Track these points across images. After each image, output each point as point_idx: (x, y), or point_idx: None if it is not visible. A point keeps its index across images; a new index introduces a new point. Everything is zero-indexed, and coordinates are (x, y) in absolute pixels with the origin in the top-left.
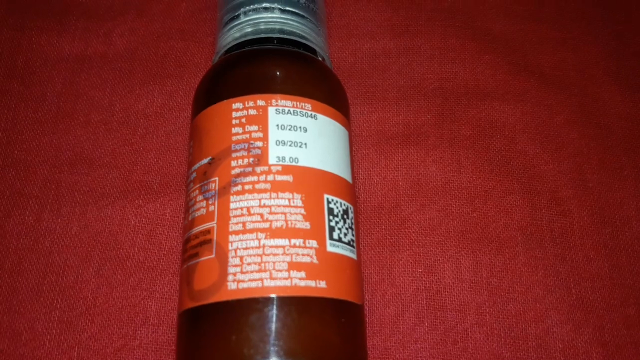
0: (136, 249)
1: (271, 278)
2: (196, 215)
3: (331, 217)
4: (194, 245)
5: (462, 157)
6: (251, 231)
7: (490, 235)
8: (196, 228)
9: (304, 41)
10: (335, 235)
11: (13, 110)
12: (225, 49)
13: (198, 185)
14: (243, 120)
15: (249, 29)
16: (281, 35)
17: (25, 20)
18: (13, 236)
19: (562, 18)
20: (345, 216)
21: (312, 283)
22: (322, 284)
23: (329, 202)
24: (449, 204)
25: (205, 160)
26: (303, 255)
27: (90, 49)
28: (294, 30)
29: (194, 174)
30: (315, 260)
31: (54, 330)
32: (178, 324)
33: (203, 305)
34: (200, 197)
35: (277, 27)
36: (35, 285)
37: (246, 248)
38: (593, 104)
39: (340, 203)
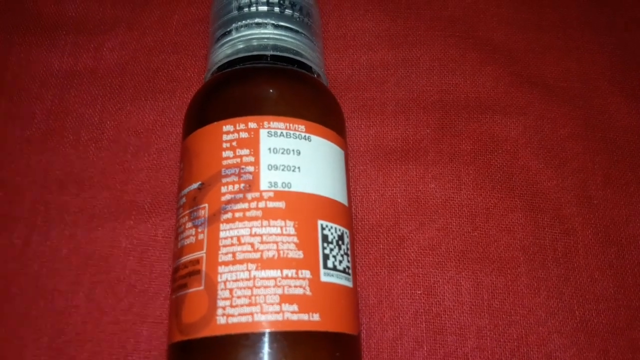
0: (127, 271)
1: (262, 312)
2: (185, 243)
3: (325, 245)
4: (183, 276)
5: (463, 173)
6: (241, 262)
7: (491, 255)
8: (185, 257)
9: (298, 58)
10: (329, 264)
11: (1, 129)
12: (217, 66)
13: (187, 212)
14: (234, 143)
15: (241, 46)
16: (274, 52)
17: (14, 36)
18: (0, 260)
19: (565, 27)
20: (340, 242)
21: (305, 316)
22: (316, 317)
23: (323, 229)
24: (449, 223)
25: (195, 185)
26: (295, 287)
27: (80, 64)
28: (288, 46)
29: (184, 199)
30: (308, 292)
31: (43, 357)
32: (167, 355)
33: (192, 339)
34: (189, 224)
35: (271, 43)
36: (23, 311)
37: (236, 280)
38: (598, 116)
39: (335, 229)
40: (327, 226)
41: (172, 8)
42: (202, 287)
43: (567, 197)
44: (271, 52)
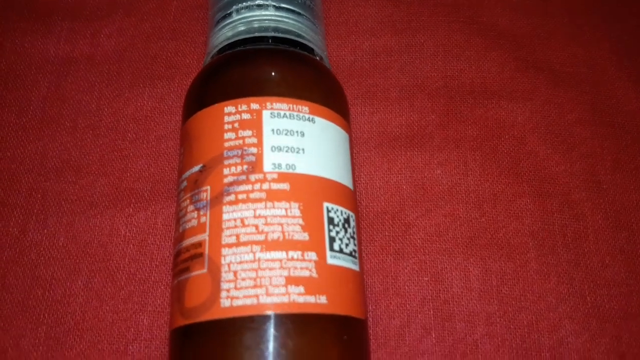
0: (127, 260)
1: (267, 294)
2: (187, 226)
3: (331, 227)
4: (185, 259)
5: (469, 159)
6: (245, 244)
7: (499, 241)
8: (187, 240)
9: (300, 40)
10: (336, 247)
11: None
12: (217, 49)
13: (189, 195)
14: (236, 125)
15: (242, 28)
16: (276, 34)
17: (8, 22)
18: None
19: (571, 12)
20: (346, 225)
21: (311, 299)
22: (323, 299)
23: (328, 211)
24: (455, 209)
25: (196, 168)
26: (301, 268)
27: (76, 51)
28: (290, 28)
29: (185, 183)
30: (314, 274)
31: (41, 347)
32: (170, 342)
33: (195, 323)
34: (191, 208)
35: (272, 25)
36: (21, 300)
37: (240, 262)
38: (606, 101)
39: (341, 211)
40: (332, 208)
41: None
42: (205, 270)
43: (575, 182)
44: (273, 34)
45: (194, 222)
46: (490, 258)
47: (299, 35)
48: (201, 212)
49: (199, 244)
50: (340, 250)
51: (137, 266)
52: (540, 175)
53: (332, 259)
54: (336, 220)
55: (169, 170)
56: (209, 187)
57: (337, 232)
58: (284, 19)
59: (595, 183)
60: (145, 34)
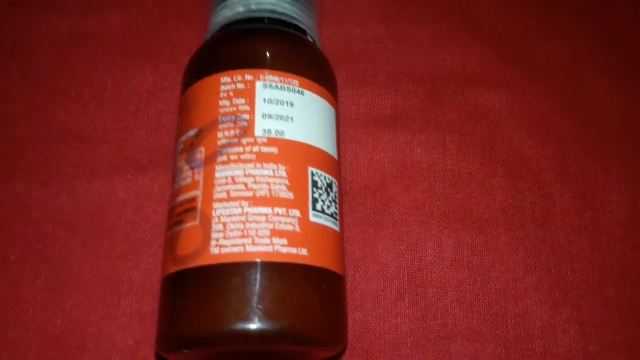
0: (123, 221)
1: (253, 244)
2: (182, 184)
3: (315, 189)
4: (179, 213)
5: (448, 140)
6: (235, 199)
7: (472, 216)
8: (181, 196)
9: (294, 22)
10: (318, 207)
11: (3, 85)
12: (217, 27)
13: (185, 156)
14: (231, 93)
15: (241, 9)
16: (272, 15)
17: None
18: (2, 206)
19: (552, 10)
20: (329, 189)
21: (293, 250)
22: (304, 252)
23: (313, 175)
24: (433, 185)
25: (192, 132)
26: (285, 223)
27: (83, 26)
28: (285, 11)
29: (181, 146)
30: (297, 229)
31: (38, 297)
32: (161, 289)
33: (186, 269)
34: (186, 167)
35: (269, 7)
36: (22, 254)
37: (230, 215)
38: (579, 93)
39: (325, 177)
40: (316, 173)
41: None
42: (197, 222)
43: (546, 164)
44: (269, 15)
45: (188, 180)
46: (462, 230)
47: (293, 18)
48: (196, 171)
49: (193, 199)
50: (322, 211)
51: (133, 227)
52: (513, 157)
53: (314, 217)
54: (319, 184)
55: (167, 141)
56: (203, 149)
57: (320, 195)
58: (281, 3)
59: (564, 166)
60: (148, 12)
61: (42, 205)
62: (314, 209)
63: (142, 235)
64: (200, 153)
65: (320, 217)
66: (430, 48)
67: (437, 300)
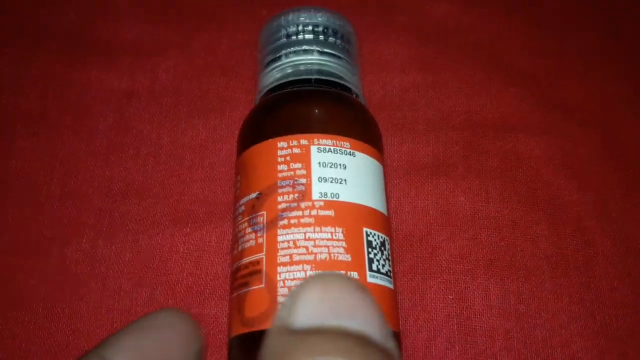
0: (185, 274)
1: None
2: (245, 246)
3: (370, 250)
4: (244, 275)
5: (490, 187)
6: (297, 263)
7: (517, 263)
8: (246, 259)
9: (340, 81)
10: (374, 267)
11: (68, 143)
12: (267, 88)
13: (247, 218)
14: (288, 158)
15: (290, 70)
16: (319, 77)
17: (76, 57)
18: (72, 262)
19: (585, 53)
20: (382, 248)
21: None
22: None
23: (367, 235)
24: (478, 234)
25: (253, 195)
26: None
27: (137, 84)
28: (332, 70)
29: (242, 207)
30: None
31: None
32: (229, 347)
33: (255, 331)
34: (249, 230)
35: (316, 67)
36: (94, 309)
37: (293, 279)
38: (615, 137)
39: (378, 235)
40: (371, 233)
41: (220, 34)
42: (262, 285)
43: (587, 210)
44: (317, 76)
45: (252, 243)
46: (508, 279)
47: (339, 77)
48: (258, 234)
49: (257, 262)
50: (378, 271)
51: (194, 280)
52: (555, 204)
53: (371, 278)
54: (374, 244)
55: (220, 193)
56: (265, 212)
57: (375, 254)
58: (327, 63)
59: (605, 212)
60: (198, 69)
61: (108, 260)
62: (370, 269)
63: (204, 287)
64: (262, 217)
65: (377, 277)
66: (468, 94)
67: (486, 348)
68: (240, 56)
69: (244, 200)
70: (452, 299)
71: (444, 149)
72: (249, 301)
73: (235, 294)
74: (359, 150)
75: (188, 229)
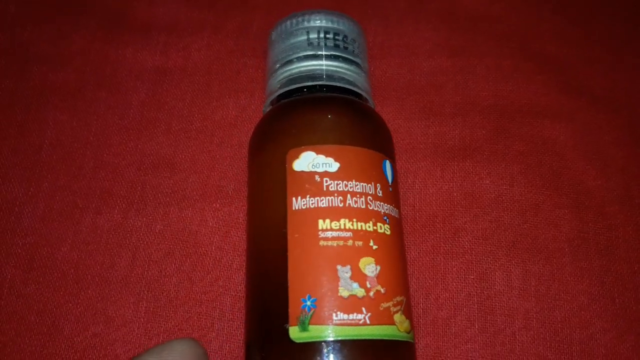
0: (213, 248)
1: None
2: None
3: None
4: None
5: (515, 171)
6: None
7: (539, 246)
8: None
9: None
10: None
11: (102, 117)
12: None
13: None
14: None
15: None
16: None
17: (113, 34)
18: (104, 232)
19: (612, 42)
20: None
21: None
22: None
23: None
24: (501, 216)
25: None
26: None
27: (170, 62)
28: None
29: None
30: None
31: (141, 319)
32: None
33: None
34: None
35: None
36: (124, 277)
37: None
38: None
39: None
40: None
41: (252, 16)
42: None
43: (610, 196)
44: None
45: None
46: (530, 261)
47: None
48: None
49: None
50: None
51: (222, 253)
52: (578, 188)
53: None
54: None
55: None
56: None
57: None
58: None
59: (628, 197)
60: (229, 50)
61: (138, 231)
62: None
63: (231, 262)
64: None
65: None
66: (495, 80)
67: (505, 327)
68: None
69: None
70: (473, 279)
71: (470, 132)
72: None
73: None
74: None
75: (217, 204)
